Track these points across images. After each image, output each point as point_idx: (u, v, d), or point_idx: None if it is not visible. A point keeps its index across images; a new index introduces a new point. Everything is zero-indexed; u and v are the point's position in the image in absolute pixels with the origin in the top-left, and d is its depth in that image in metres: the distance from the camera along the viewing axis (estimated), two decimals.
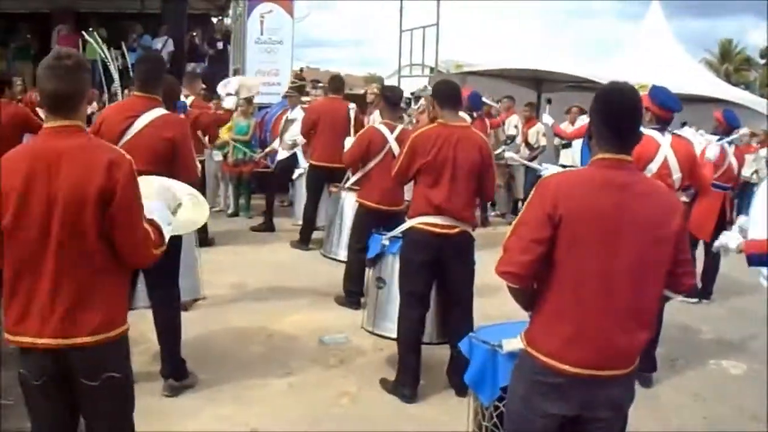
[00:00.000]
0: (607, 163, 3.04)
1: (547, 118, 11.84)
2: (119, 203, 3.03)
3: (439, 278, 5.56)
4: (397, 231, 5.76)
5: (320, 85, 13.66)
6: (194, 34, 18.85)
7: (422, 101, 11.87)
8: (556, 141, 13.35)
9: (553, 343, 3.05)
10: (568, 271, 3.01)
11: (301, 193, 10.43)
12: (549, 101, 14.66)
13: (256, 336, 6.61)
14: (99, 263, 3.09)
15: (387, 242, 5.93)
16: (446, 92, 5.56)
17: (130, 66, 14.26)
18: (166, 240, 3.33)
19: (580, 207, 2.98)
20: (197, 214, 4.49)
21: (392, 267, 5.90)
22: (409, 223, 5.54)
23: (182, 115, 6.91)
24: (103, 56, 11.77)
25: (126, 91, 13.89)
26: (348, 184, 8.14)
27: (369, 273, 6.35)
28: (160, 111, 5.22)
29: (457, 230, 5.41)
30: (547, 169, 5.59)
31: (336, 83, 9.99)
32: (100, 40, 13.28)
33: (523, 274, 3.07)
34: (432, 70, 15.63)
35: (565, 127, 12.61)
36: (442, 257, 5.43)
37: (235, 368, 5.87)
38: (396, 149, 7.27)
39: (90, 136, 3.22)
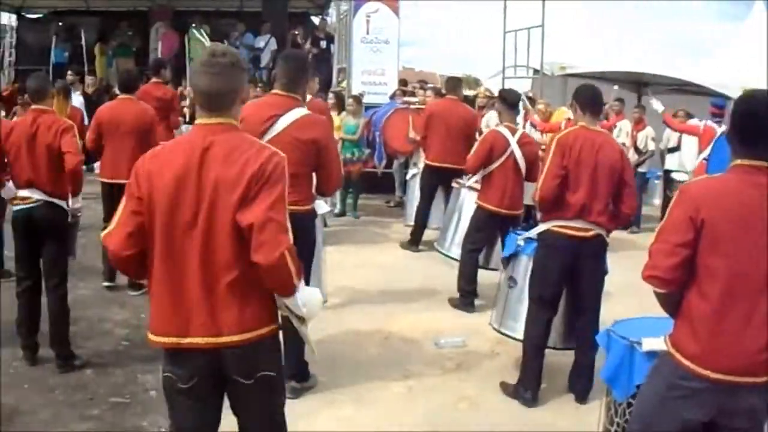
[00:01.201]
0: (745, 169, 3.09)
1: (657, 105, 11.47)
2: None
3: (570, 282, 5.46)
4: (533, 232, 5.67)
5: (429, 86, 13.58)
6: (296, 32, 18.94)
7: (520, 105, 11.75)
8: (662, 145, 13.03)
9: (696, 347, 3.05)
10: (711, 275, 3.01)
11: (413, 194, 10.37)
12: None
13: (373, 338, 6.60)
14: (241, 255, 3.02)
15: (522, 242, 5.84)
16: (588, 97, 5.47)
17: None
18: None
19: (722, 211, 3.00)
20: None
21: (525, 268, 5.82)
22: (545, 225, 5.44)
23: None
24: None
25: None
26: (469, 183, 8.08)
27: (501, 272, 6.27)
28: (302, 111, 5.12)
29: (592, 234, 5.30)
30: (680, 174, 5.47)
31: (453, 83, 9.96)
32: (207, 38, 13.54)
33: (669, 279, 3.09)
34: (536, 71, 15.43)
35: (668, 134, 12.39)
36: (577, 262, 5.33)
37: (353, 370, 5.88)
38: (518, 153, 7.26)
39: (243, 133, 3.20)
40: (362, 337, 6.59)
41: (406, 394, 5.57)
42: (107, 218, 7.64)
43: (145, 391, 5.56)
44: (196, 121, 3.19)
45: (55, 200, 5.96)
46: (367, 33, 14.93)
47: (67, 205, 6.03)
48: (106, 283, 7.81)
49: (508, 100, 7.61)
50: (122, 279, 7.75)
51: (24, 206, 5.97)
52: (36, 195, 5.93)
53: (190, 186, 3.02)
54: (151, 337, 3.14)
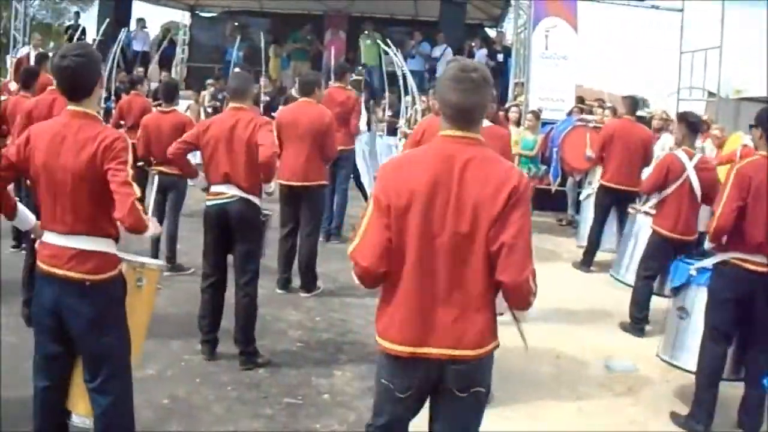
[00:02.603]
0: None
1: None
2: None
3: (744, 315, 5.37)
4: (708, 262, 5.61)
5: (608, 105, 13.51)
6: (473, 44, 19.05)
7: None
8: None
9: None
10: None
11: (587, 213, 10.42)
12: None
13: (545, 356, 6.72)
14: (487, 271, 3.10)
15: (694, 272, 5.76)
16: None
17: (408, 73, 14.86)
18: None
19: None
20: None
21: (697, 298, 5.76)
22: (723, 256, 5.38)
23: None
24: (397, 62, 12.29)
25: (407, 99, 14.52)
26: (645, 208, 8.02)
27: (670, 301, 6.26)
28: (486, 122, 5.19)
29: None
30: None
31: (631, 104, 9.92)
32: (380, 45, 13.84)
33: None
34: (711, 94, 15.05)
35: None
36: (754, 295, 5.26)
37: (526, 387, 6.02)
38: (694, 178, 7.17)
39: (489, 149, 3.22)
40: (534, 354, 6.59)
41: (578, 414, 5.68)
42: (284, 220, 8.08)
43: (318, 394, 5.70)
44: (441, 132, 3.21)
45: (250, 197, 6.06)
46: (546, 48, 14.99)
47: (260, 203, 6.16)
48: (280, 291, 8.05)
49: (691, 124, 7.46)
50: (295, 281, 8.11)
51: (218, 201, 6.07)
52: (231, 191, 6.02)
53: (444, 199, 3.08)
54: (386, 344, 3.24)
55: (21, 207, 4.27)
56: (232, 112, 6.16)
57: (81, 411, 4.10)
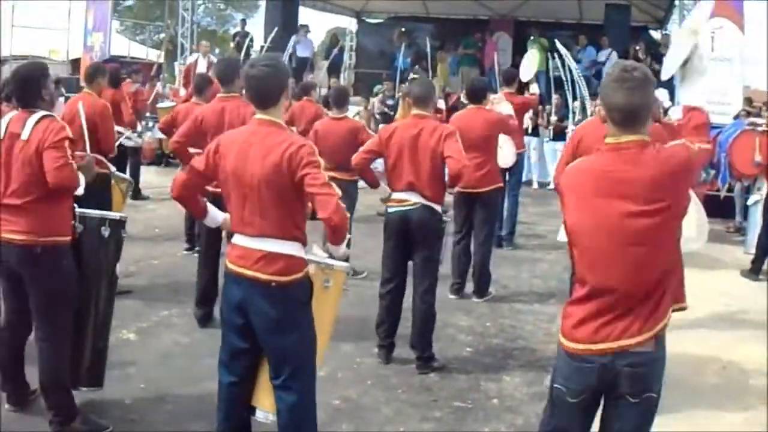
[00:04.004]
0: None
1: None
2: None
3: None
4: None
5: None
6: (637, 47, 18.72)
7: None
8: None
9: None
10: None
11: (755, 220, 10.27)
12: None
13: (710, 365, 6.71)
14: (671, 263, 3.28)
15: None
16: None
17: (581, 77, 14.85)
18: None
19: None
20: None
21: None
22: None
23: None
24: (569, 66, 12.35)
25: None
26: None
27: None
28: None
29: None
30: None
31: None
32: (559, 52, 13.93)
33: None
34: None
35: None
36: None
37: (690, 396, 6.02)
38: None
39: (654, 146, 3.30)
40: (700, 363, 6.70)
41: (743, 425, 5.67)
42: (458, 225, 8.27)
43: (487, 399, 5.82)
44: (607, 139, 3.30)
45: (432, 204, 6.17)
46: (712, 50, 14.64)
47: (442, 211, 6.27)
48: (452, 296, 8.27)
49: None
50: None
51: (400, 208, 6.21)
52: (414, 198, 6.15)
53: (615, 207, 3.21)
54: (576, 346, 3.35)
55: (210, 207, 4.54)
56: (415, 120, 6.25)
57: (265, 407, 4.27)
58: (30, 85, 4.93)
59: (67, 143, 4.77)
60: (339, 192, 4.02)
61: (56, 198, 4.78)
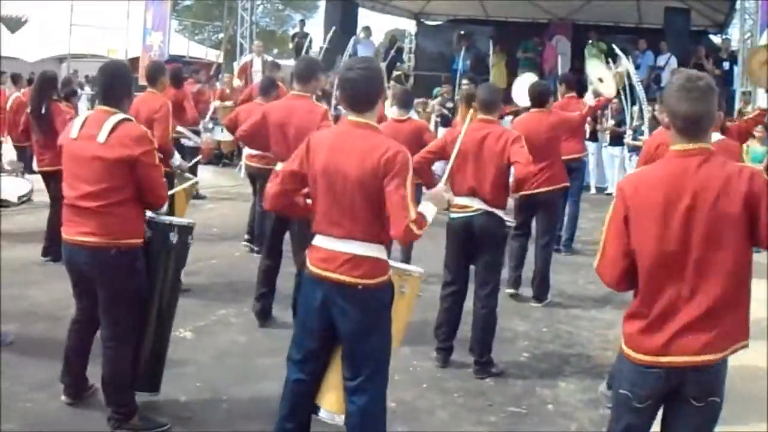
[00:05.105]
0: None
1: None
2: None
3: None
4: None
5: None
6: (700, 54, 18.17)
7: None
8: None
9: None
10: None
11: None
12: None
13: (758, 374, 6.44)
14: (744, 275, 3.26)
15: None
16: None
17: (639, 83, 14.64)
18: None
19: None
20: None
21: None
22: None
23: None
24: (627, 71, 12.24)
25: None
26: None
27: None
28: (717, 135, 5.22)
29: None
30: None
31: None
32: (619, 56, 13.77)
33: None
34: None
35: None
36: None
37: (743, 406, 5.76)
38: None
39: (719, 157, 3.29)
40: (758, 375, 6.41)
41: None
42: (518, 225, 8.10)
43: (542, 404, 5.80)
44: (674, 147, 3.32)
45: (495, 210, 6.16)
46: None
47: (505, 216, 6.25)
48: (509, 291, 8.22)
49: None
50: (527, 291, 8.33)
51: (463, 214, 6.18)
52: (476, 204, 6.14)
53: (686, 215, 3.20)
54: (643, 357, 3.34)
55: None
56: (481, 124, 6.23)
57: (331, 407, 4.27)
58: (120, 82, 4.98)
59: (156, 153, 4.84)
60: (414, 215, 3.98)
61: (133, 202, 4.83)
